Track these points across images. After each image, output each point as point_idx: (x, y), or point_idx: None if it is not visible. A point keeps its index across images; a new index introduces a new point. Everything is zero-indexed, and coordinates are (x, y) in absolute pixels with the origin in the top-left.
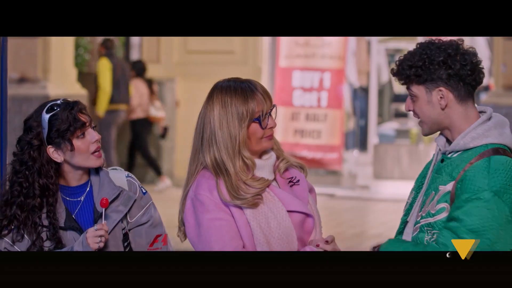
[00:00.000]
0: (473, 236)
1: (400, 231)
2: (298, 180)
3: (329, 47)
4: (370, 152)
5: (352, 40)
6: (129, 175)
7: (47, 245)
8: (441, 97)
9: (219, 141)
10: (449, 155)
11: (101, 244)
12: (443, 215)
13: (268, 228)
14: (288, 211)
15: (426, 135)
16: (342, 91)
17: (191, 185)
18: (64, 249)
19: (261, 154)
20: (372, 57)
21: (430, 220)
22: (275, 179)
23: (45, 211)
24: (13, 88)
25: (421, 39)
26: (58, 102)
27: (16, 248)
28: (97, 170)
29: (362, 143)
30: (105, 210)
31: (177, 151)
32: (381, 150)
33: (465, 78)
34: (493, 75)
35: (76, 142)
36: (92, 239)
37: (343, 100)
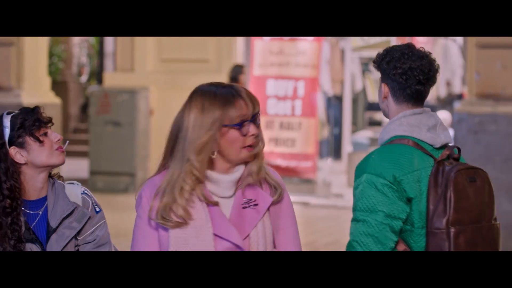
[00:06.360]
0: (366, 213)
1: None
2: (257, 204)
3: (303, 56)
4: (344, 161)
5: (326, 48)
6: (85, 191)
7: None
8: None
9: (189, 144)
10: None
11: None
12: None
13: (185, 246)
14: (217, 236)
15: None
16: (316, 99)
17: (147, 181)
18: None
19: (230, 166)
20: (346, 66)
21: None
22: (234, 194)
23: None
24: None
25: (394, 41)
26: (17, 110)
27: None
28: (53, 185)
29: (336, 152)
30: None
31: (151, 160)
32: (355, 158)
33: (401, 83)
34: (466, 84)
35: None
36: None
37: (317, 109)
